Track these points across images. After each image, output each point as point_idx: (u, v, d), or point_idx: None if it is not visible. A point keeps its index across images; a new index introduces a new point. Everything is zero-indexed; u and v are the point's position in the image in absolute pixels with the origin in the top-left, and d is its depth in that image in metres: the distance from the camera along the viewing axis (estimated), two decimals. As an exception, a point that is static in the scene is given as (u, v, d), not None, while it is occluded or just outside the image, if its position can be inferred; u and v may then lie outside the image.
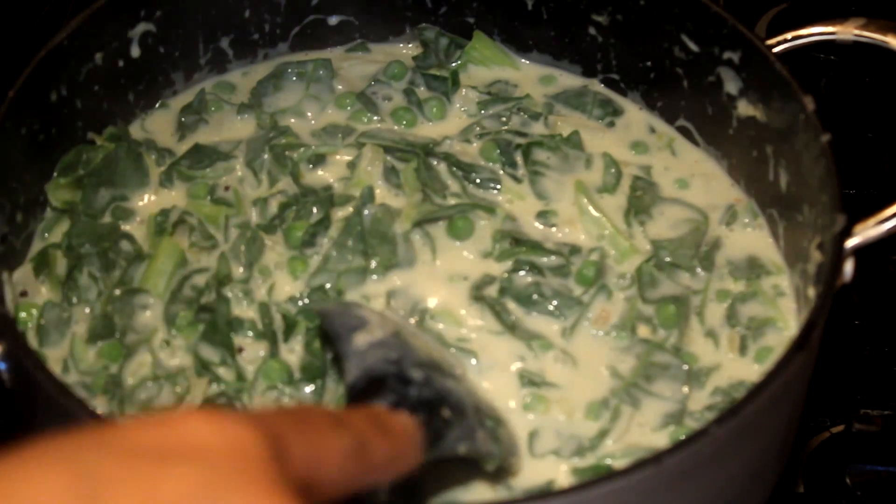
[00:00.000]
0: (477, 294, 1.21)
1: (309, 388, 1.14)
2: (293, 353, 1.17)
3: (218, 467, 0.67)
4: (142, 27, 1.35)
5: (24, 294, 1.21)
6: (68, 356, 1.16)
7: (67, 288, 1.20)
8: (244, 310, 1.20)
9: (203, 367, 1.14)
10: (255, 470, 0.68)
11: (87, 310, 1.20)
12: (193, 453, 0.67)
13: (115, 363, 1.15)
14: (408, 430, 0.92)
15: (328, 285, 1.21)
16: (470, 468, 1.07)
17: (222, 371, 1.14)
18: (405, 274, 1.23)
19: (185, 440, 0.68)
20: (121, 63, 1.34)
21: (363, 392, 0.97)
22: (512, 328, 1.18)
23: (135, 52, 1.35)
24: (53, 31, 1.27)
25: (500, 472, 1.08)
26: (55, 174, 1.28)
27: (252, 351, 1.16)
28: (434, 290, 1.22)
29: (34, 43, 1.27)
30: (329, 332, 1.08)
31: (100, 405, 1.12)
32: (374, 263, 1.22)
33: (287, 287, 1.22)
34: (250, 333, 1.17)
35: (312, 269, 1.22)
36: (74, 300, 1.20)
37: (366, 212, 1.23)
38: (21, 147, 1.22)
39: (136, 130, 1.38)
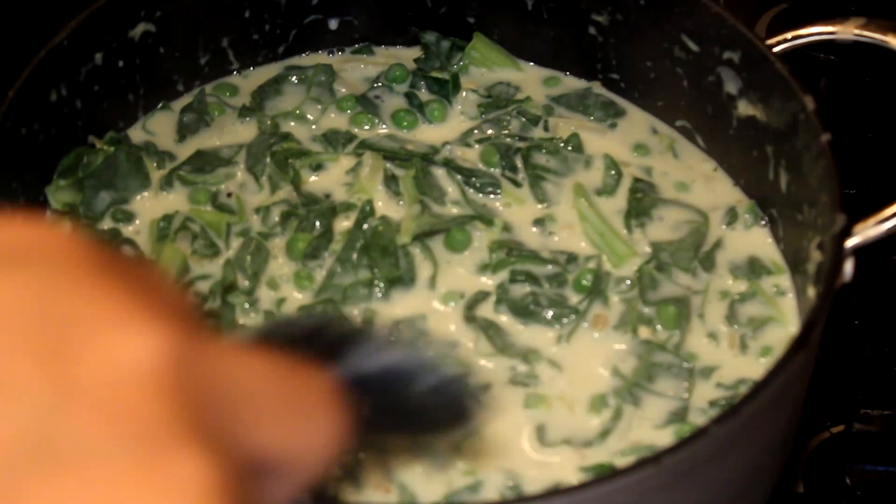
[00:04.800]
0: (469, 315, 1.20)
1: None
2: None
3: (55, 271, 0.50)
4: (142, 27, 1.35)
5: (23, 297, 1.20)
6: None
7: (69, 292, 1.20)
8: (250, 319, 1.20)
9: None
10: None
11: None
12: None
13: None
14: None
15: (336, 298, 1.20)
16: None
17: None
18: (407, 287, 1.22)
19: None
20: (121, 63, 1.34)
21: None
22: (502, 350, 1.17)
23: (135, 52, 1.35)
24: (53, 31, 1.27)
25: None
26: (55, 176, 1.28)
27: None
28: (434, 303, 1.21)
29: (34, 43, 1.27)
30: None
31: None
32: (377, 277, 1.21)
33: (294, 300, 1.21)
34: None
35: (318, 284, 1.22)
36: (75, 304, 1.20)
37: (365, 226, 1.23)
38: (21, 147, 1.22)
39: (137, 132, 1.38)
